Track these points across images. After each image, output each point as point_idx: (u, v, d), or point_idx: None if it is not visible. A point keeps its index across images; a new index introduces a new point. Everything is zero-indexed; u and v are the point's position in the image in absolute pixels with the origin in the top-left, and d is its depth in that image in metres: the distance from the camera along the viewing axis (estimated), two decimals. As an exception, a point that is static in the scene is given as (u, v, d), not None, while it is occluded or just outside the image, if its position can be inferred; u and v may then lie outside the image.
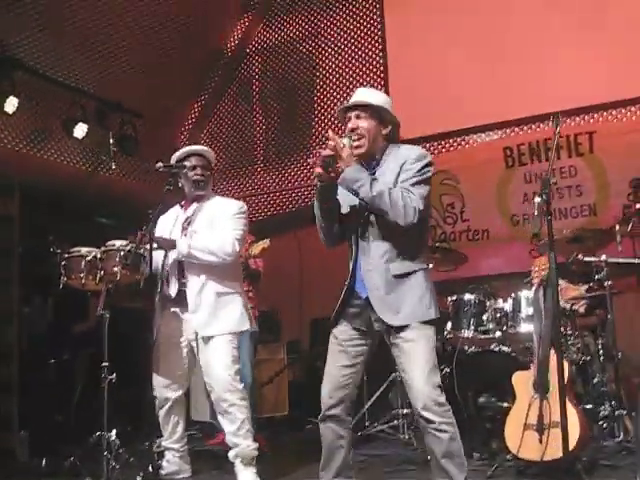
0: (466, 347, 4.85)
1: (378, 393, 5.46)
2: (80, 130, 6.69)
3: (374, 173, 3.17)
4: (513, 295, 4.80)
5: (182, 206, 4.40)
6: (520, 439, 3.90)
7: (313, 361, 7.20)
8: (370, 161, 3.21)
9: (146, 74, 7.31)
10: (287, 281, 7.55)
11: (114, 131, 7.10)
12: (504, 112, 6.78)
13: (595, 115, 6.44)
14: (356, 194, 3.04)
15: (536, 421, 3.88)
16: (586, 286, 5.10)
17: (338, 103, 7.66)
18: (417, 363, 3.03)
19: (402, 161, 3.13)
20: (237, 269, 4.37)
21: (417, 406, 3.01)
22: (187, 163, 4.29)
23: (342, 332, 3.23)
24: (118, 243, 4.07)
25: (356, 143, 3.15)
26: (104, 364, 4.09)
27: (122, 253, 3.98)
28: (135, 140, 7.09)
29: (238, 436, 4.05)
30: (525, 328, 4.68)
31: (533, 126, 6.77)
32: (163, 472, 4.30)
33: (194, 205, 4.34)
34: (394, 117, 3.26)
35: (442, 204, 7.05)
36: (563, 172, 6.53)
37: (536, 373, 3.98)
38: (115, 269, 3.99)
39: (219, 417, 4.12)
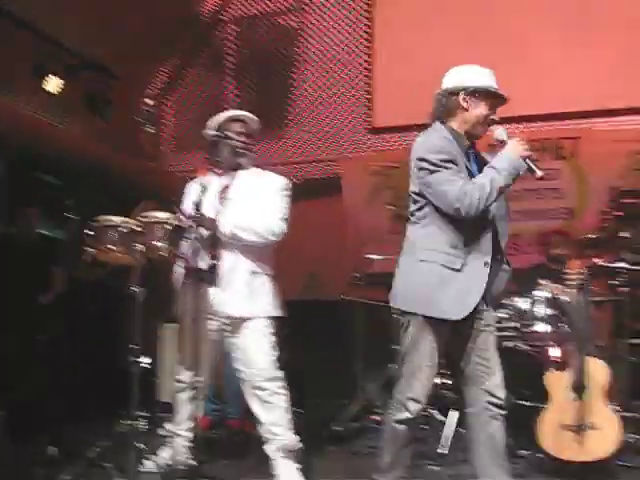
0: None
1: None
2: (52, 84, 6.17)
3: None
4: (529, 293, 4.84)
5: (218, 174, 4.10)
6: (556, 439, 3.96)
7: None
8: None
9: (114, 31, 6.80)
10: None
11: (86, 89, 6.62)
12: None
13: (581, 121, 6.60)
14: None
15: (574, 422, 3.96)
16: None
17: (319, 83, 7.52)
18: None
19: None
20: (271, 249, 4.10)
21: (498, 394, 3.15)
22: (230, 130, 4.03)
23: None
24: (161, 215, 3.75)
25: None
26: (133, 346, 3.78)
27: (169, 227, 3.68)
28: (110, 102, 6.62)
29: (279, 426, 3.81)
30: (541, 328, 4.74)
31: (517, 126, 6.83)
32: (168, 461, 3.99)
33: (232, 174, 4.07)
34: None
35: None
36: (545, 174, 6.66)
37: (575, 375, 4.04)
38: (158, 243, 3.68)
39: (255, 406, 3.89)
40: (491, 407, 3.14)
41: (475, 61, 6.69)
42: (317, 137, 7.36)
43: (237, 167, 4.05)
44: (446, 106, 3.22)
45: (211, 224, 3.80)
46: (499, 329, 4.77)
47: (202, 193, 3.71)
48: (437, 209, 3.11)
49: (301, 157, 7.42)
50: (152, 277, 3.88)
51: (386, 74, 7.23)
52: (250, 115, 4.18)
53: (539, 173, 3.12)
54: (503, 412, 3.15)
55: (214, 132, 3.98)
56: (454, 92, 3.20)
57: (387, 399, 5.36)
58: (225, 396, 5.23)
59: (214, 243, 3.85)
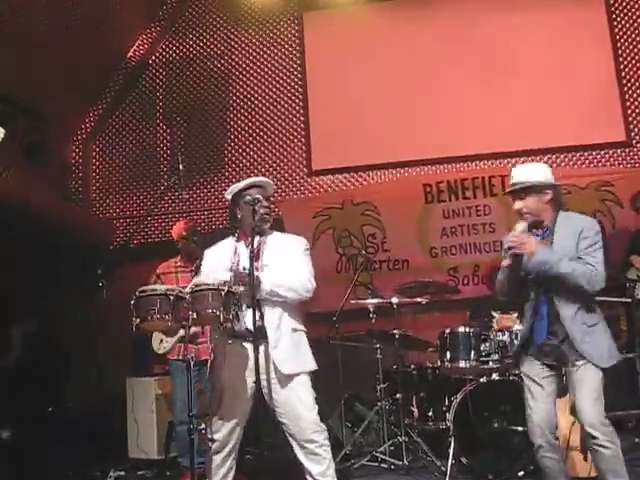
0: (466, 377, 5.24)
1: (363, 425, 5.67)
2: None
3: (549, 239, 3.70)
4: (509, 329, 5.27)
5: (238, 240, 4.21)
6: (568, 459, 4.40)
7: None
8: (539, 226, 3.73)
9: (40, 76, 6.59)
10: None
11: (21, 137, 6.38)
12: (425, 151, 7.33)
13: (507, 160, 7.23)
14: (544, 272, 3.58)
15: (579, 442, 4.42)
16: (516, 314, 5.69)
17: (253, 126, 7.67)
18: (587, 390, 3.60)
19: (579, 230, 3.63)
20: (302, 307, 4.26)
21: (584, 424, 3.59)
22: (253, 196, 4.15)
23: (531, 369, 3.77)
24: (211, 282, 3.80)
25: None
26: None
27: (222, 293, 3.73)
28: (44, 149, 6.42)
29: (327, 476, 3.98)
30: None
31: (449, 166, 7.39)
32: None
33: (257, 239, 4.19)
34: (550, 182, 3.75)
35: (364, 234, 7.36)
36: (479, 210, 7.23)
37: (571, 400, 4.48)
38: (212, 311, 3.72)
39: (303, 459, 4.01)
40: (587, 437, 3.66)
41: (403, 109, 7.26)
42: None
43: (262, 232, 4.19)
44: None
45: (257, 286, 3.91)
46: (483, 362, 5.24)
47: (250, 259, 3.83)
48: None
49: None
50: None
51: (320, 120, 7.51)
52: (268, 180, 4.34)
53: None
54: (596, 441, 3.60)
55: (248, 198, 4.08)
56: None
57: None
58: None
59: (258, 305, 3.97)
